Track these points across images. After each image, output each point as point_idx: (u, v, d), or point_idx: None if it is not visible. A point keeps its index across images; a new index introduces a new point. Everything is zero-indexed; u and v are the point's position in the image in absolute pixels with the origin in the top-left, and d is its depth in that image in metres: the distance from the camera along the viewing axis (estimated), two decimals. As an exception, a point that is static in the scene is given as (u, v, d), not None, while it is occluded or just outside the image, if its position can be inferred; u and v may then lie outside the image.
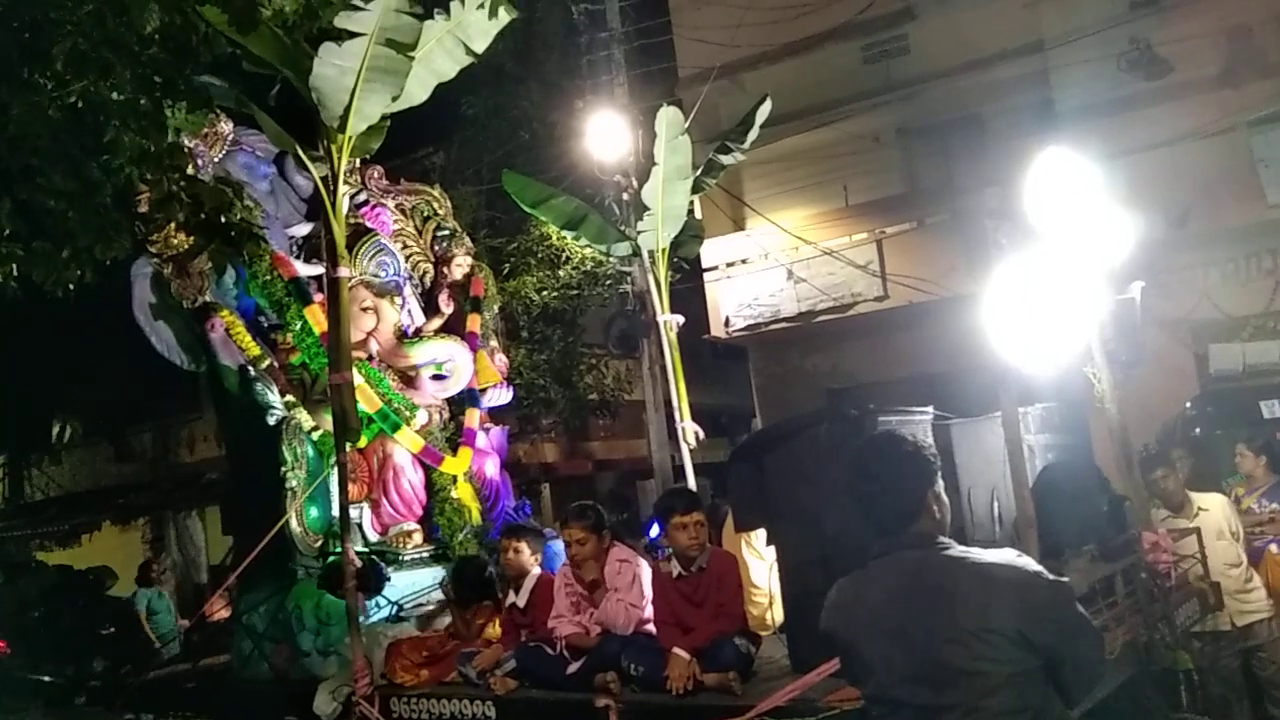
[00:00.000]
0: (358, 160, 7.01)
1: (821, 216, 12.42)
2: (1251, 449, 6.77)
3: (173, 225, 5.30)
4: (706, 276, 12.60)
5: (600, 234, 7.32)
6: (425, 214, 7.57)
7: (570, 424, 13.77)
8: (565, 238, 9.89)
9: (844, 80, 11.97)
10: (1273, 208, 10.02)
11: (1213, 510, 6.00)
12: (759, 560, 5.01)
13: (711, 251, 12.62)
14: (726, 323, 12.81)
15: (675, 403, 6.98)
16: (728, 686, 3.96)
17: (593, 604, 4.64)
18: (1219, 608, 5.36)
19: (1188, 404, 8.65)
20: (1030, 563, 2.62)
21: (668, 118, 6.45)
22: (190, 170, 5.72)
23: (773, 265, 12.16)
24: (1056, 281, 3.85)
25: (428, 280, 7.38)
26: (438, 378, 6.73)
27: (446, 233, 7.49)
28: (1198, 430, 7.94)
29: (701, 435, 6.99)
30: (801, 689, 3.64)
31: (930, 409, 4.44)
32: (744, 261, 12.64)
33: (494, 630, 5.07)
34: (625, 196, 7.33)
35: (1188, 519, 5.82)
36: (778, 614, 4.81)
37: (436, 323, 7.11)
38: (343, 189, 6.50)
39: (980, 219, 4.03)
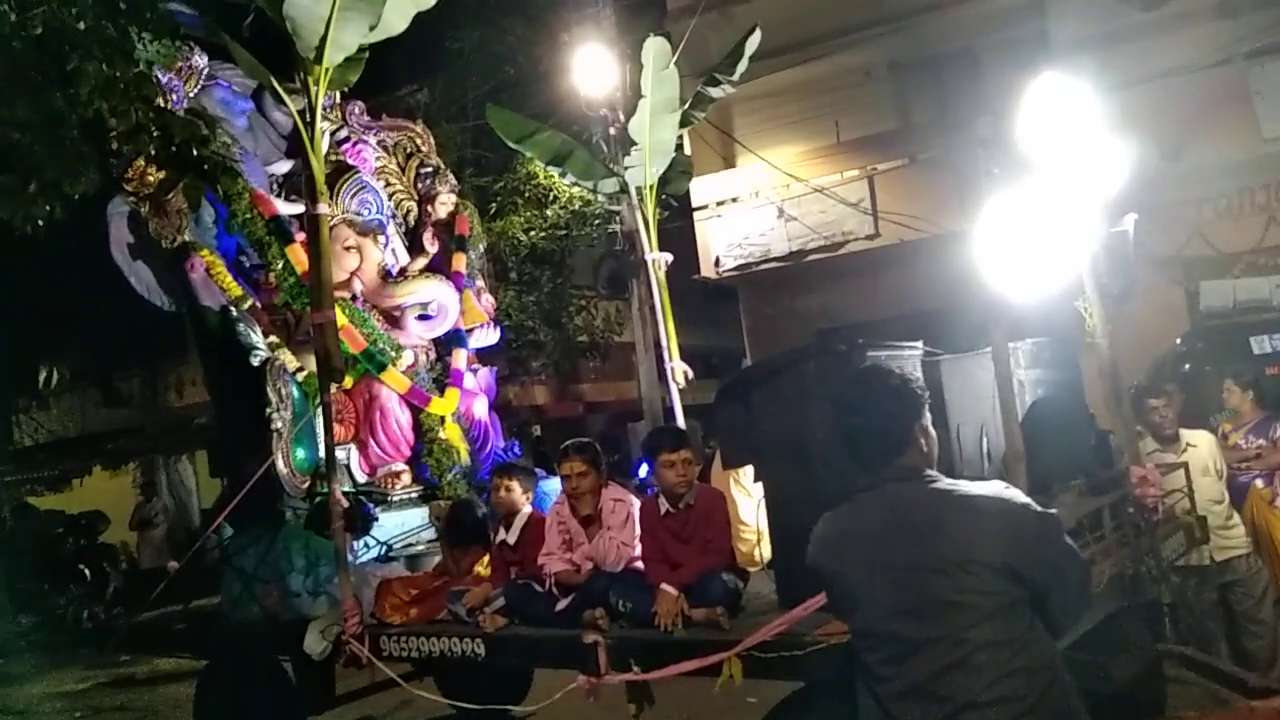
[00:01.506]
0: (338, 95, 6.86)
1: (813, 153, 12.25)
2: (1239, 384, 6.77)
3: (144, 161, 5.16)
4: (696, 215, 12.46)
5: (587, 170, 7.19)
6: (408, 151, 7.43)
7: (560, 366, 13.75)
8: (552, 176, 9.74)
9: (836, 13, 11.72)
10: (1268, 141, 9.91)
11: (1201, 447, 6.02)
12: (747, 497, 5.01)
13: (701, 189, 12.47)
14: (717, 263, 12.71)
15: (664, 343, 6.92)
16: (715, 622, 3.97)
17: (586, 539, 4.64)
18: (1204, 541, 5.39)
19: (1178, 340, 8.64)
20: (1018, 495, 2.61)
21: (655, 48, 6.29)
22: (164, 105, 5.60)
23: (763, 203, 12.03)
24: (1049, 213, 3.78)
25: (411, 219, 7.27)
26: (423, 318, 6.66)
27: (430, 170, 7.36)
28: (1188, 366, 7.94)
29: (691, 375, 6.94)
30: (789, 624, 3.64)
31: (919, 344, 4.40)
32: (734, 200, 12.50)
33: (483, 569, 5.07)
34: (612, 131, 7.18)
35: (1176, 454, 5.84)
36: (766, 550, 4.81)
37: (421, 262, 7.01)
38: (323, 125, 6.37)
39: (973, 152, 3.93)
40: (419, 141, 7.48)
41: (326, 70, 4.97)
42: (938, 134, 10.97)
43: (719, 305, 14.98)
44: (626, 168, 6.69)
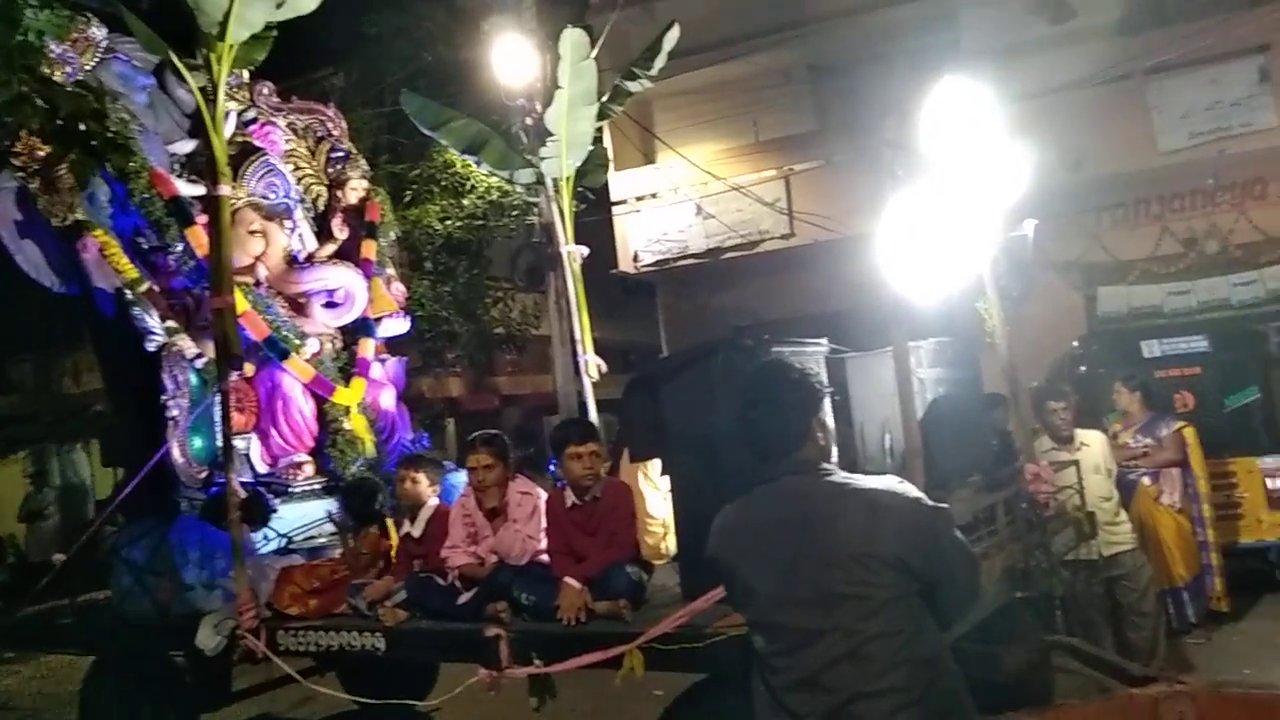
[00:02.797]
0: (245, 75, 6.64)
1: (731, 152, 12.38)
2: (1129, 386, 7.07)
3: (27, 134, 4.92)
4: (615, 210, 12.48)
5: (502, 159, 7.11)
6: (319, 135, 7.23)
7: (475, 358, 13.60)
8: (470, 165, 9.61)
9: (756, 13, 11.84)
10: (1163, 154, 10.37)
11: (1093, 446, 6.26)
12: (655, 490, 5.03)
13: (621, 184, 12.49)
14: (635, 258, 12.75)
15: (578, 336, 6.89)
16: (618, 614, 3.97)
17: (491, 533, 4.60)
18: (1093, 536, 5.60)
19: (1075, 343, 8.96)
20: (911, 489, 2.65)
21: (572, 40, 6.25)
22: (58, 78, 5.35)
23: (682, 200, 12.10)
24: (949, 216, 3.87)
25: (321, 204, 7.08)
26: (330, 305, 6.50)
27: (341, 154, 7.18)
28: (1083, 368, 8.23)
29: (604, 369, 6.92)
30: (690, 616, 3.66)
31: (824, 341, 4.47)
32: (653, 195, 12.56)
33: (368, 567, 4.99)
34: (529, 121, 7.11)
35: (1070, 453, 6.06)
36: (672, 543, 4.83)
37: (330, 248, 6.84)
38: (229, 104, 6.19)
39: (880, 153, 4.01)
40: (331, 125, 7.29)
41: (231, 47, 4.82)
42: (852, 136, 11.18)
43: (638, 300, 15.02)
44: (542, 159, 6.63)
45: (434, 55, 11.93)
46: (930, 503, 2.64)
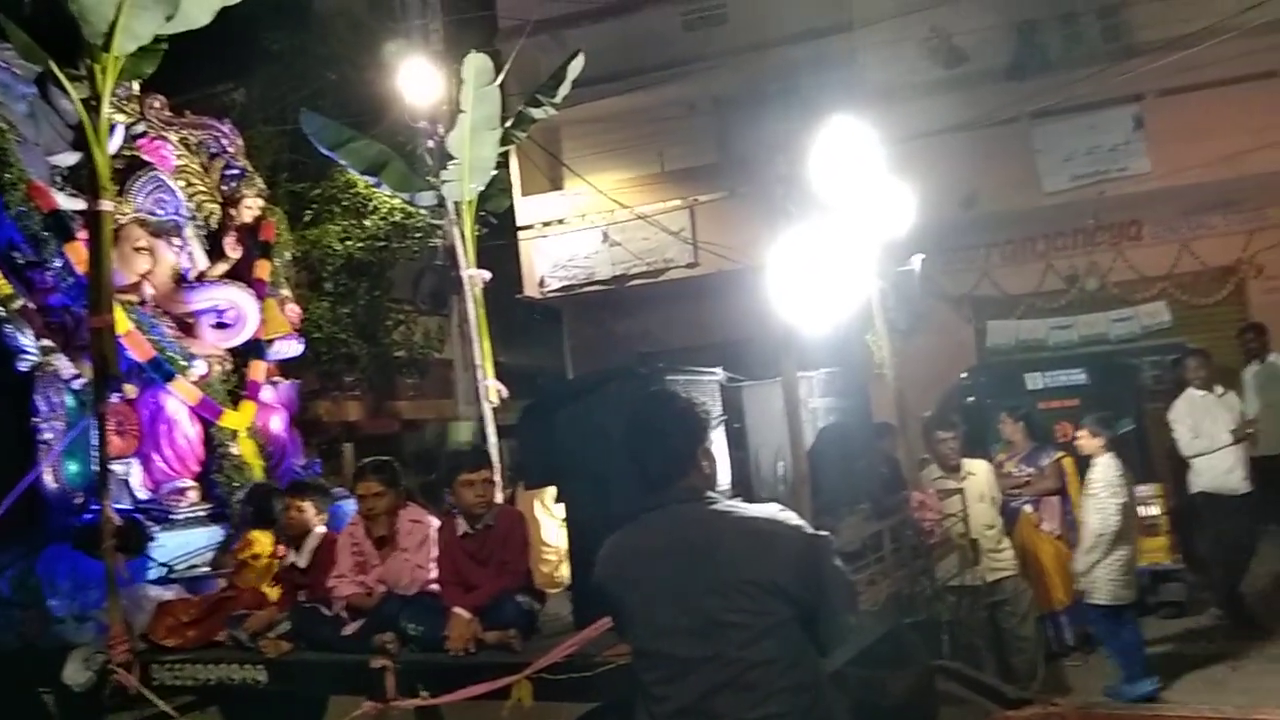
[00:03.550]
0: (136, 87, 6.45)
1: (638, 181, 12.51)
2: (1013, 417, 7.35)
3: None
4: (522, 235, 12.47)
5: (403, 181, 7.04)
6: (213, 150, 7.05)
7: (375, 382, 13.34)
8: (372, 186, 9.47)
9: (663, 45, 12.05)
10: (1048, 195, 10.86)
11: (979, 475, 6.48)
12: (551, 518, 5.00)
13: (527, 210, 12.50)
14: (541, 283, 12.75)
15: (479, 360, 6.83)
16: (507, 644, 3.93)
17: (380, 561, 4.50)
18: (976, 563, 5.78)
19: (963, 374, 9.27)
20: (792, 517, 2.69)
21: (476, 65, 6.25)
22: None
23: (588, 227, 12.16)
24: (837, 250, 3.98)
25: (213, 222, 6.89)
26: (220, 326, 6.31)
27: (236, 172, 7.01)
28: (971, 399, 8.51)
29: (505, 394, 6.87)
30: (580, 644, 3.65)
31: (719, 370, 4.53)
32: (560, 221, 12.59)
33: (271, 590, 4.84)
34: (430, 144, 7.05)
35: (957, 481, 6.26)
36: (567, 572, 4.82)
37: (221, 268, 6.65)
38: (117, 117, 5.99)
39: (774, 187, 4.12)
40: (226, 141, 7.11)
41: (117, 59, 4.66)
42: (755, 169, 11.42)
43: (544, 326, 14.99)
44: (444, 181, 6.59)
45: (339, 75, 11.77)
46: (810, 530, 2.68)
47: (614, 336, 12.86)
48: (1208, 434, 7.81)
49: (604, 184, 12.11)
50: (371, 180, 7.37)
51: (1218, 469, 7.79)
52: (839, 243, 3.99)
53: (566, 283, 12.42)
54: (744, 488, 5.19)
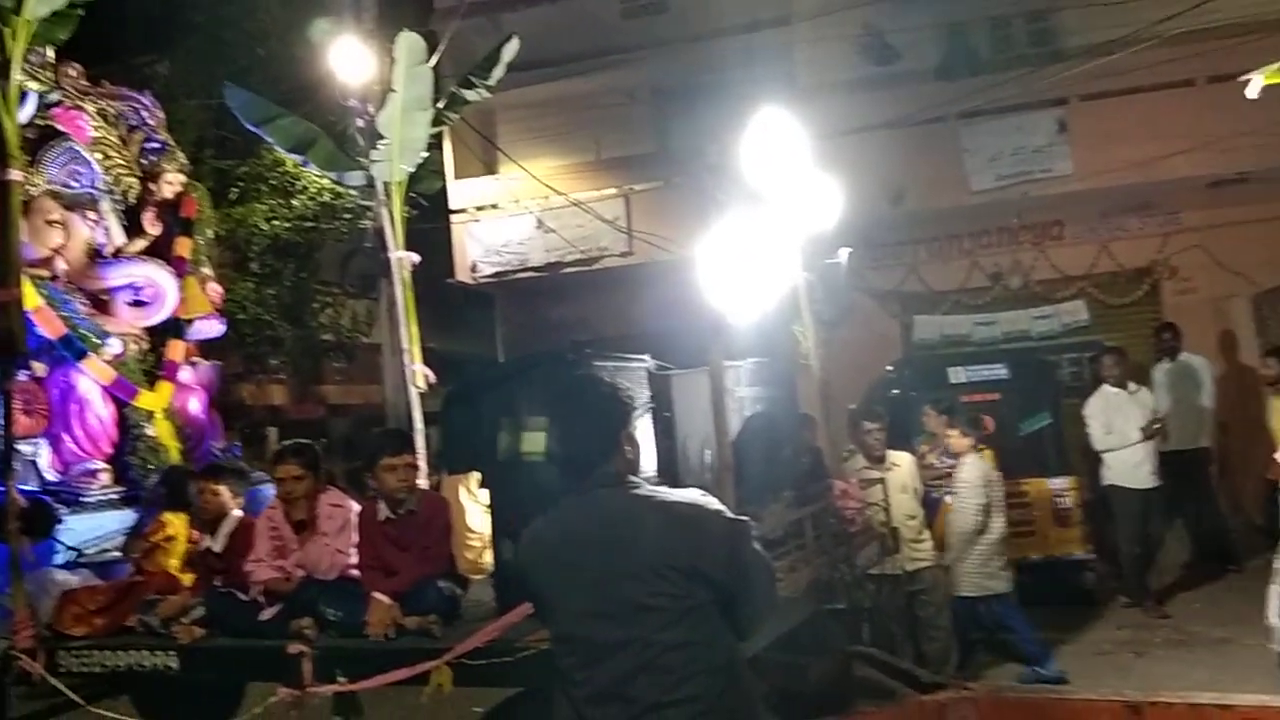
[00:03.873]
0: (51, 53, 6.21)
1: (573, 168, 12.45)
2: (937, 410, 7.50)
3: None
4: (454, 219, 12.31)
5: (331, 160, 6.89)
6: (133, 123, 6.83)
7: (301, 365, 13.08)
8: (300, 165, 9.27)
9: (602, 32, 11.99)
10: (974, 194, 11.09)
11: (903, 466, 6.62)
12: (476, 504, 4.96)
13: (461, 193, 12.35)
14: (474, 268, 12.62)
15: (406, 345, 6.74)
16: (428, 630, 3.90)
17: (299, 546, 4.43)
18: (895, 551, 5.90)
19: (889, 367, 9.44)
20: (712, 502, 2.71)
21: (407, 44, 6.15)
22: None
23: (522, 212, 12.07)
24: (766, 240, 4.02)
25: (132, 196, 6.68)
26: (137, 304, 6.13)
27: (157, 145, 6.81)
28: (896, 391, 8.67)
29: (432, 379, 6.79)
30: (501, 630, 3.63)
31: (647, 357, 4.54)
32: (494, 206, 12.47)
33: (171, 559, 4.73)
34: (360, 123, 6.92)
35: (881, 471, 6.37)
36: (491, 558, 4.79)
37: (140, 244, 6.46)
38: (30, 84, 5.76)
39: (709, 178, 4.14)
40: (146, 114, 6.90)
41: (28, 22, 4.49)
42: (690, 160, 11.45)
43: (477, 311, 14.85)
44: (373, 161, 6.47)
45: (267, 50, 11.47)
46: (731, 515, 2.71)
47: (547, 323, 12.78)
48: (1119, 430, 8.10)
49: (539, 170, 12.01)
50: (298, 158, 7.21)
51: (1128, 464, 8.08)
52: (767, 234, 4.02)
53: (499, 268, 12.31)
54: (671, 475, 5.22)
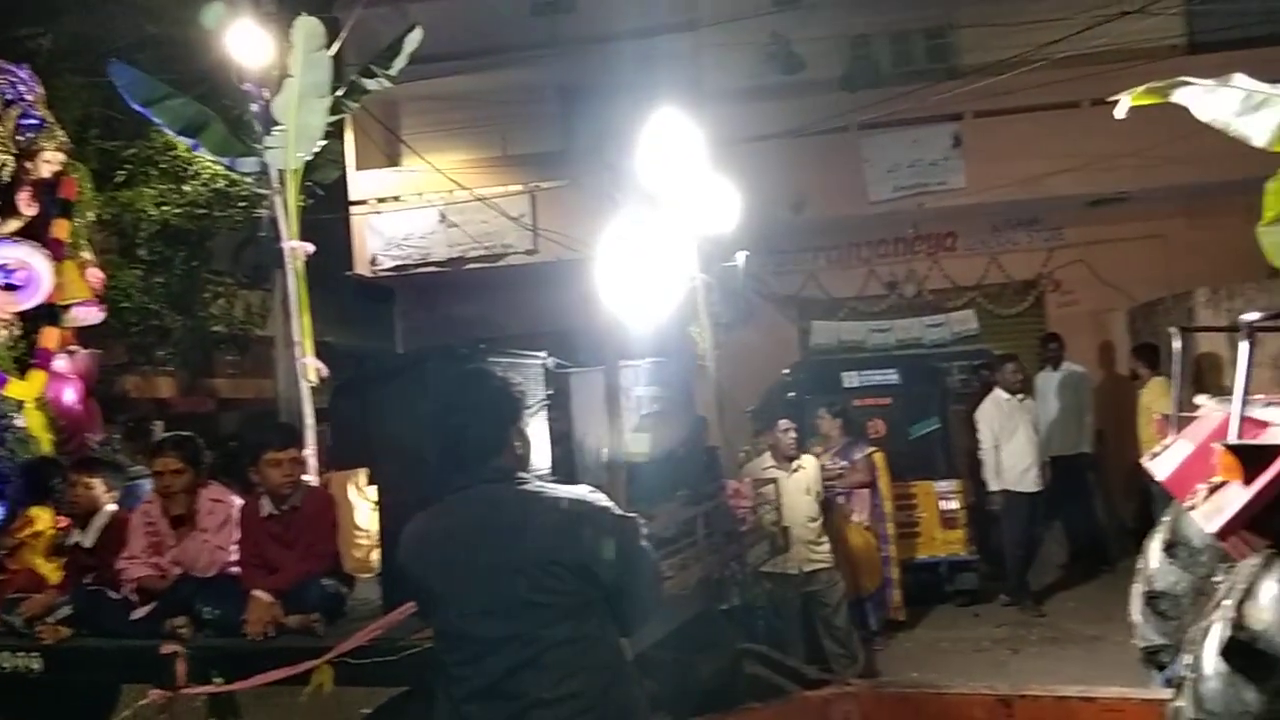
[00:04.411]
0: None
1: (478, 163, 12.35)
2: (831, 413, 7.69)
3: None
4: (354, 210, 12.06)
5: (224, 145, 6.65)
6: (8, 97, 6.46)
7: (190, 357, 12.58)
8: (191, 149, 8.91)
9: (510, 28, 11.93)
10: (873, 203, 11.39)
11: (808, 468, 6.76)
12: (364, 501, 4.86)
13: (362, 184, 12.11)
14: (373, 261, 12.39)
15: (297, 337, 6.56)
16: (310, 628, 3.81)
17: (176, 542, 4.27)
18: (785, 550, 6.01)
19: (785, 371, 9.61)
20: (601, 498, 2.71)
21: (306, 29, 5.99)
22: None
23: (425, 206, 11.89)
24: (664, 242, 4.05)
25: (6, 175, 6.32)
26: (9, 288, 5.81)
27: (34, 122, 6.44)
28: (792, 395, 8.83)
29: (325, 373, 6.62)
30: (385, 628, 3.57)
31: (543, 354, 4.52)
32: (396, 199, 12.26)
33: (36, 556, 4.51)
34: (255, 108, 6.70)
35: (789, 472, 6.46)
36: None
37: (13, 225, 6.10)
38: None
39: (610, 177, 4.15)
40: (23, 89, 6.52)
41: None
42: (597, 159, 11.46)
43: (377, 305, 14.56)
44: (268, 148, 6.28)
45: (161, 29, 11.01)
46: (619, 512, 2.71)
47: (449, 320, 12.62)
48: (1008, 435, 8.41)
49: (443, 164, 11.86)
50: (189, 142, 6.95)
51: (1016, 469, 8.40)
52: (663, 235, 4.05)
53: (400, 262, 12.11)
54: (568, 472, 5.21)
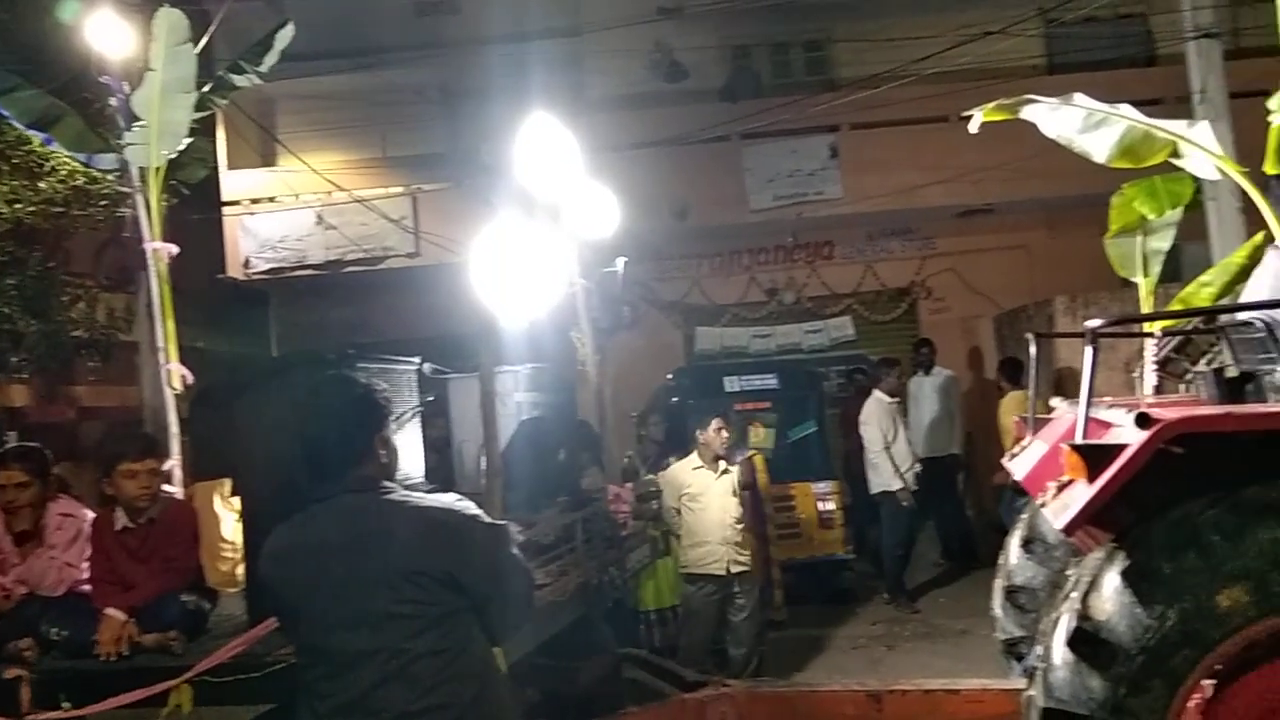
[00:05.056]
0: None
1: (358, 164, 12.08)
2: (713, 417, 7.76)
3: None
4: (226, 211, 11.63)
5: (80, 140, 6.33)
6: None
7: (47, 363, 11.86)
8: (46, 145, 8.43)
9: (393, 28, 11.71)
10: (754, 212, 11.61)
11: (733, 472, 6.76)
12: (230, 512, 4.67)
13: (234, 184, 11.70)
14: (247, 264, 11.97)
15: (162, 342, 6.27)
16: (167, 646, 3.64)
17: (20, 560, 4.02)
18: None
19: (669, 376, 9.71)
20: (469, 507, 2.67)
21: (168, 21, 5.75)
22: None
23: (302, 207, 11.56)
24: (541, 246, 4.03)
25: None
26: None
27: None
28: (675, 399, 8.93)
29: (190, 380, 6.35)
30: (247, 644, 3.44)
31: (417, 359, 4.45)
32: (271, 199, 11.88)
33: None
34: (114, 102, 6.37)
35: (716, 474, 6.43)
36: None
37: None
38: None
39: (486, 180, 4.11)
40: None
41: None
42: (478, 162, 11.35)
43: (251, 310, 14.04)
44: (128, 144, 6.00)
45: (14, 14, 10.37)
46: (488, 520, 2.68)
47: (327, 324, 12.29)
48: (893, 436, 8.67)
49: (321, 164, 11.54)
50: (41, 136, 6.58)
51: (892, 469, 8.66)
52: (541, 240, 4.03)
53: (275, 265, 11.73)
54: (446, 478, 5.14)
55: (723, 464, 6.55)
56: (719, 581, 6.34)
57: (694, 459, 6.48)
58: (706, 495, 6.29)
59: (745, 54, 11.94)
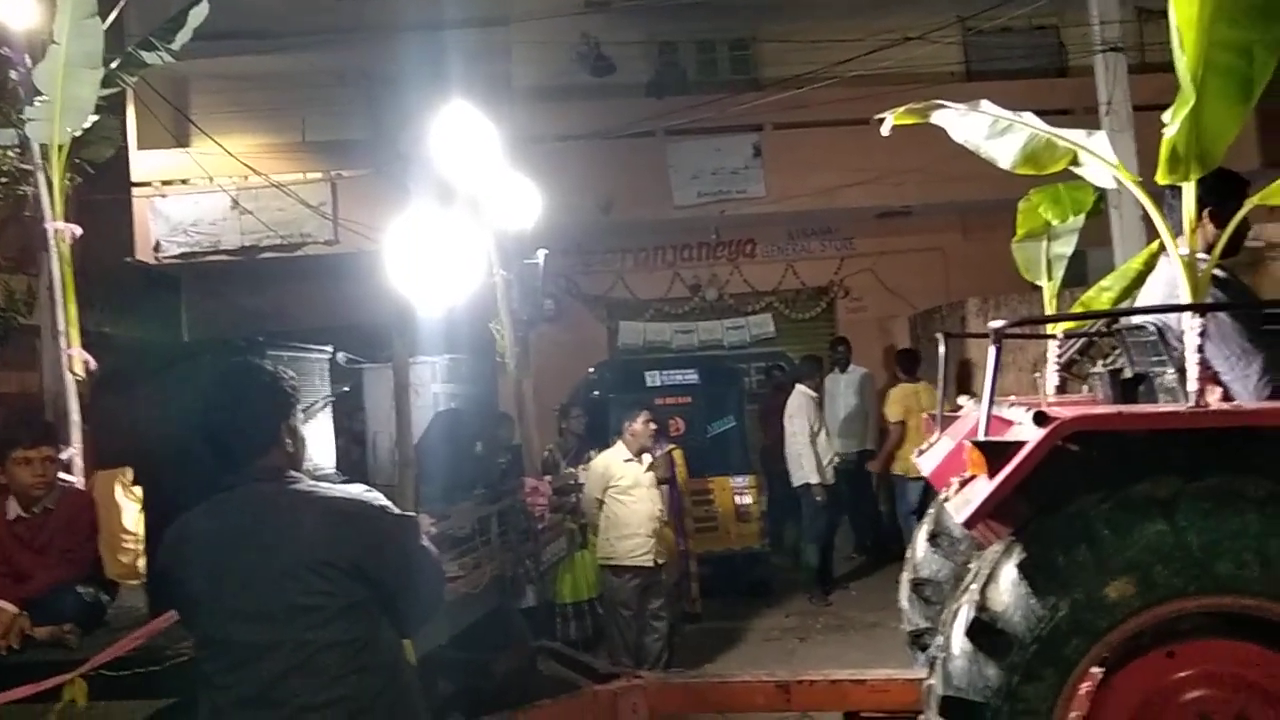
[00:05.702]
0: None
1: (275, 148, 11.80)
2: (640, 410, 7.80)
3: None
4: (136, 193, 11.24)
5: (-26, 115, 6.06)
6: None
7: (-60, 346, 11.36)
8: (-59, 117, 8.04)
9: (312, 9, 11.44)
10: (678, 208, 11.68)
11: (659, 463, 6.80)
12: (132, 502, 4.54)
13: (145, 164, 11.32)
14: (157, 247, 11.60)
15: (63, 326, 6.04)
16: (61, 640, 3.52)
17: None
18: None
19: (590, 370, 9.72)
20: (377, 497, 2.64)
21: (73, -8, 5.51)
22: None
23: (216, 190, 11.23)
24: (458, 236, 3.99)
25: None
26: None
27: None
28: (596, 393, 8.94)
29: (93, 365, 6.13)
30: (146, 636, 3.34)
31: (330, 348, 4.38)
32: (184, 182, 11.53)
33: None
34: (15, 76, 6.09)
35: (641, 465, 6.45)
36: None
37: None
38: None
39: (406, 167, 4.06)
40: None
41: None
42: (402, 149, 11.18)
43: (161, 295, 13.61)
44: (28, 120, 5.74)
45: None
46: (396, 511, 2.65)
47: (241, 311, 11.97)
48: (813, 428, 8.80)
49: (237, 147, 11.22)
50: (-69, 108, 6.26)
51: (815, 462, 8.79)
52: (458, 229, 4.00)
53: (187, 249, 11.39)
54: (360, 468, 5.07)
55: (647, 457, 6.60)
56: (645, 574, 6.39)
57: (623, 451, 6.51)
58: (637, 488, 6.32)
59: (672, 50, 12.00)
